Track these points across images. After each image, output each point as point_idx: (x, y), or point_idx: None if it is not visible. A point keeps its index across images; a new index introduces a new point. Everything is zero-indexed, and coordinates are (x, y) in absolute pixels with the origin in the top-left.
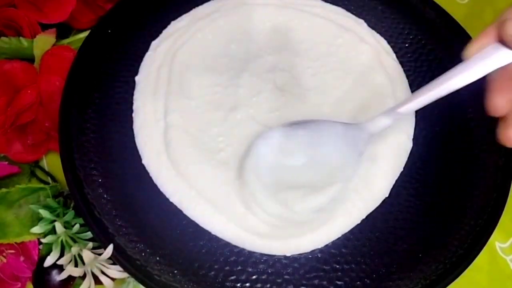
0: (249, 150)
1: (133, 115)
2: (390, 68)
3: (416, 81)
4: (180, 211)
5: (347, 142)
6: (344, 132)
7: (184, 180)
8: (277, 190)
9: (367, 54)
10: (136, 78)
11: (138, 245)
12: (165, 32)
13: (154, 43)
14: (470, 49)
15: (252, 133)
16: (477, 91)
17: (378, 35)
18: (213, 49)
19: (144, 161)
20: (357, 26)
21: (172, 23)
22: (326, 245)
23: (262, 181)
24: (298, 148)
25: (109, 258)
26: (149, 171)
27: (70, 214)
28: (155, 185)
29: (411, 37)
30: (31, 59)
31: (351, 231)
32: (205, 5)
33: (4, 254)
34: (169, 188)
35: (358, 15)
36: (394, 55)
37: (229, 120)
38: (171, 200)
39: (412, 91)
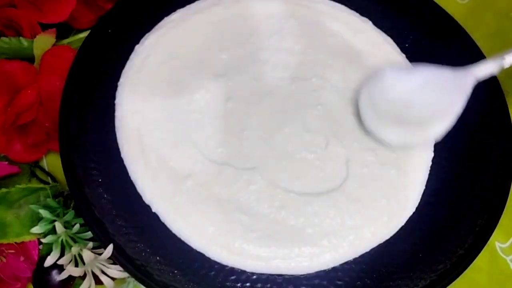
0: (361, 88)
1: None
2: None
3: None
4: None
5: (453, 85)
6: (451, 76)
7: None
8: (389, 122)
9: (375, 55)
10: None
11: (138, 245)
12: (157, 25)
13: (144, 36)
14: None
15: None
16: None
17: (384, 34)
18: (200, 42)
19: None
20: (363, 25)
21: (165, 18)
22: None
23: (375, 112)
24: (406, 88)
25: (109, 258)
26: (128, 170)
27: (70, 214)
28: None
29: (411, 37)
30: (31, 59)
31: None
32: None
33: (4, 254)
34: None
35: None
36: (404, 55)
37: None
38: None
39: None
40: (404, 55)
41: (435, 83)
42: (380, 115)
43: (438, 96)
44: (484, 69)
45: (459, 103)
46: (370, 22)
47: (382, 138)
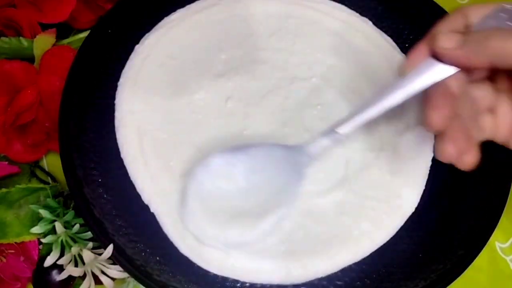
0: (189, 179)
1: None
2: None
3: None
4: None
5: (288, 165)
6: (285, 155)
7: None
8: (224, 219)
9: (375, 54)
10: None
11: (138, 245)
12: (157, 25)
13: (144, 37)
14: (404, 68)
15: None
16: None
17: (384, 34)
18: (200, 42)
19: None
20: (363, 25)
21: (165, 18)
22: None
23: (208, 210)
24: (239, 174)
25: (109, 258)
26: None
27: (70, 214)
28: None
29: (411, 37)
30: (31, 59)
31: None
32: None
33: (4, 254)
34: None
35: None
36: (404, 55)
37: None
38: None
39: None
40: (404, 55)
41: (267, 165)
42: (213, 211)
43: (272, 180)
44: (318, 146)
45: (294, 186)
46: (370, 22)
47: (215, 243)
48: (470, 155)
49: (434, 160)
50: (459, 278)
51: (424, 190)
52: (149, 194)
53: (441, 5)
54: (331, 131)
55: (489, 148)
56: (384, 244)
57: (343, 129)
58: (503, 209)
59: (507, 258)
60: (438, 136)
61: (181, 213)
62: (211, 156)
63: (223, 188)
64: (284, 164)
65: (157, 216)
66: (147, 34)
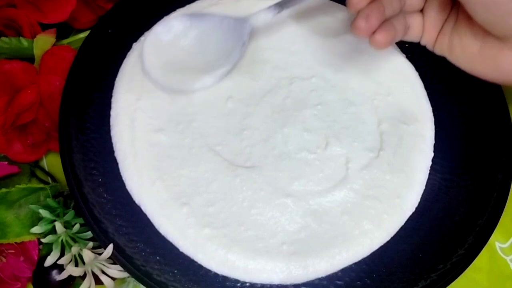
0: (149, 32)
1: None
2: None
3: None
4: None
5: (233, 33)
6: (233, 24)
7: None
8: (172, 69)
9: (375, 54)
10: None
11: (138, 245)
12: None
13: (142, 35)
14: None
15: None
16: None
17: None
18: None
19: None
20: None
21: (165, 17)
22: None
23: (159, 59)
24: (191, 34)
25: (109, 257)
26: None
27: (70, 214)
28: None
29: None
30: (31, 59)
31: None
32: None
33: (4, 254)
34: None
35: None
36: (404, 55)
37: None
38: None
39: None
40: (404, 55)
41: (217, 31)
42: (164, 62)
43: (219, 44)
44: (260, 17)
45: (236, 51)
46: None
47: (163, 85)
48: (382, 35)
49: (434, 160)
50: (459, 278)
51: (424, 190)
52: (138, 194)
53: None
54: (273, 6)
55: (489, 148)
56: (384, 244)
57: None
58: (503, 209)
59: (507, 258)
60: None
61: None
62: (171, 16)
63: (177, 44)
64: (230, 32)
65: (149, 216)
66: (145, 32)
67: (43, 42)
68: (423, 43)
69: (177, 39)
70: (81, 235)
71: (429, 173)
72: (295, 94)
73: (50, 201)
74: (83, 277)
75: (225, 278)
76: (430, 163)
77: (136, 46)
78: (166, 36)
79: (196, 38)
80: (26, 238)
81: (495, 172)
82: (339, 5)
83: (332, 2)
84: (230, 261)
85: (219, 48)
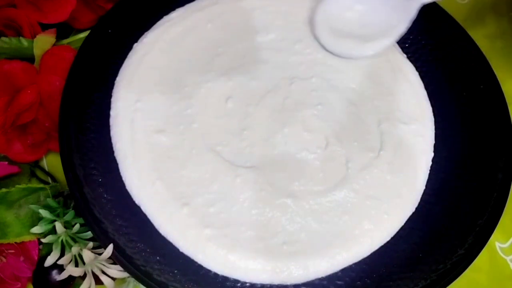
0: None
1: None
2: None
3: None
4: None
5: (402, 7)
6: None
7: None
8: (339, 35)
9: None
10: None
11: (138, 245)
12: (156, 24)
13: (143, 35)
14: None
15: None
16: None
17: None
18: (199, 41)
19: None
20: None
21: (165, 16)
22: None
23: (328, 26)
24: (358, 7)
25: (109, 257)
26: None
27: (70, 214)
28: None
29: (411, 37)
30: (31, 59)
31: None
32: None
33: (4, 254)
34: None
35: None
36: (405, 55)
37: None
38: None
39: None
40: (405, 55)
41: (385, 4)
42: (333, 30)
43: (387, 16)
44: None
45: (403, 24)
46: None
47: (332, 50)
48: None
49: (434, 160)
50: (459, 278)
51: (424, 190)
52: (138, 195)
53: (441, 5)
54: None
55: (489, 148)
56: (385, 244)
57: None
58: (503, 209)
59: (507, 258)
60: None
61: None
62: None
63: (344, 15)
64: (398, 6)
65: (149, 216)
66: (146, 33)
67: (43, 42)
68: None
69: (344, 10)
70: (81, 235)
71: (429, 173)
72: (295, 94)
73: (50, 201)
74: (83, 277)
75: (225, 278)
76: (430, 163)
77: (137, 47)
78: (335, 7)
79: (362, 10)
80: (26, 238)
81: (495, 172)
82: None
83: None
84: (231, 262)
85: (384, 21)
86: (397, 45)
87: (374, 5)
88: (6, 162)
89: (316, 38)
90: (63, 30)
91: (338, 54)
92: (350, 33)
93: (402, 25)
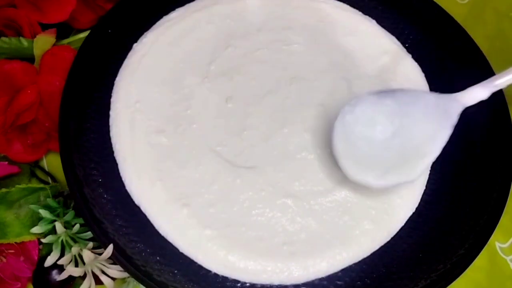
0: (336, 121)
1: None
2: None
3: None
4: None
5: (437, 112)
6: (435, 102)
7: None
8: (363, 162)
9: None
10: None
11: (138, 245)
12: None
13: (142, 35)
14: None
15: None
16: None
17: (389, 34)
18: (199, 41)
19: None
20: (368, 23)
21: (164, 16)
22: None
23: (350, 149)
24: (385, 118)
25: (109, 258)
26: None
27: (70, 214)
28: None
29: (411, 37)
30: (31, 59)
31: None
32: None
33: (4, 254)
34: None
35: None
36: (410, 55)
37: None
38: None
39: None
40: (410, 55)
41: (415, 111)
42: (357, 156)
43: (420, 128)
44: (472, 96)
45: (445, 135)
46: (374, 21)
47: (363, 183)
48: None
49: (434, 160)
50: (459, 278)
51: (424, 190)
52: (138, 195)
53: (441, 5)
54: (488, 82)
55: (489, 148)
56: (385, 244)
57: (502, 82)
58: (503, 209)
59: (507, 258)
60: None
61: (332, 147)
62: (357, 98)
63: (366, 134)
64: (433, 112)
65: (149, 217)
66: (145, 33)
67: (43, 42)
68: None
69: (367, 127)
70: (81, 235)
71: (429, 173)
72: (295, 94)
73: (50, 201)
74: (83, 277)
75: (225, 279)
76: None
77: (137, 47)
78: (355, 125)
79: (388, 123)
80: (26, 238)
81: (495, 173)
82: (343, 4)
83: (336, 2)
84: (231, 262)
85: (418, 133)
86: (401, 45)
87: (399, 112)
88: (6, 162)
89: (337, 162)
90: (63, 30)
91: (355, 182)
92: (378, 158)
93: (443, 134)
